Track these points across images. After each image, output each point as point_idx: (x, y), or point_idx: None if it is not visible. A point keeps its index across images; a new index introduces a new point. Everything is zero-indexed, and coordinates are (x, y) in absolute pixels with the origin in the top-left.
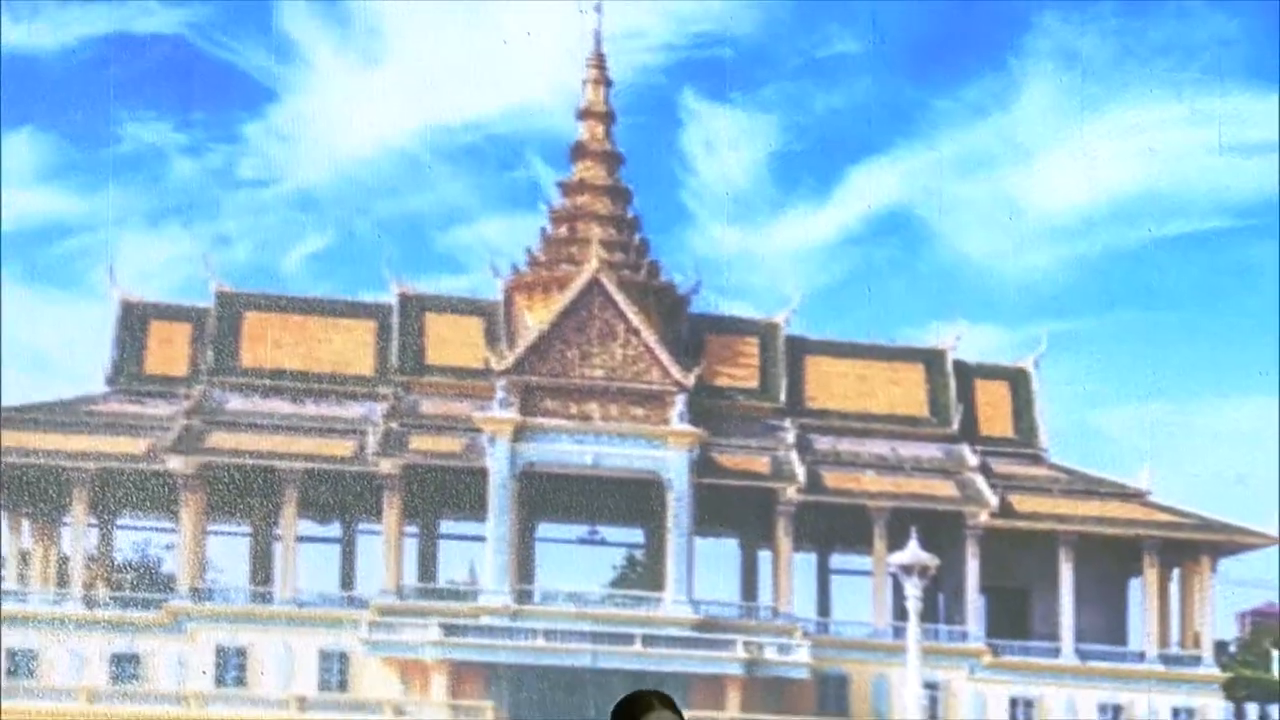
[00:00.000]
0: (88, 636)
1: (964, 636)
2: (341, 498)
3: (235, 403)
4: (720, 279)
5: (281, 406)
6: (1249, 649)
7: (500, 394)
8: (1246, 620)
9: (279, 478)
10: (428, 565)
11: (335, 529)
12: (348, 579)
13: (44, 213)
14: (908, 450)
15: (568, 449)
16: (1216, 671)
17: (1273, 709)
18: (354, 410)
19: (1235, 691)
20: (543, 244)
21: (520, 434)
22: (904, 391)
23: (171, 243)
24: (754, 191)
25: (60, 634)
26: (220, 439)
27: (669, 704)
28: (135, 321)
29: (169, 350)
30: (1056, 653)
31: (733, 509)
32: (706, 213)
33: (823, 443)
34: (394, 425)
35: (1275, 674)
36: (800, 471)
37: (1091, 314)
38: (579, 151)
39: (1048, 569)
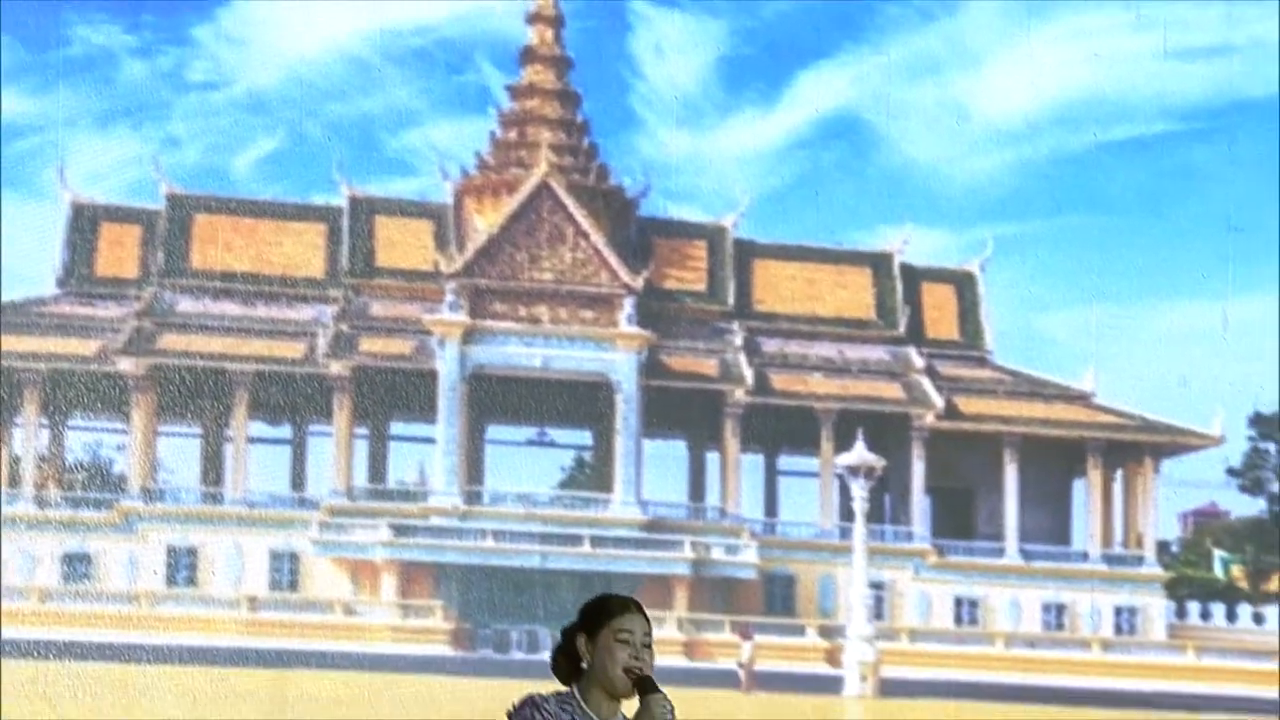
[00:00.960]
0: (39, 536)
1: (909, 537)
2: (292, 399)
3: (186, 305)
4: (668, 183)
5: (232, 309)
6: (1191, 549)
7: (450, 297)
8: (1189, 520)
9: (229, 379)
10: (378, 466)
11: (286, 430)
12: (298, 480)
13: None
14: (854, 353)
15: (517, 351)
16: (1159, 571)
17: (1214, 607)
18: (304, 312)
19: (1177, 590)
20: (492, 148)
21: (469, 337)
22: (851, 294)
23: (121, 145)
24: (702, 96)
25: (11, 534)
26: (171, 341)
27: (639, 608)
28: (85, 223)
29: (119, 252)
30: (1001, 553)
31: (680, 411)
32: (655, 117)
33: (770, 345)
34: (344, 327)
35: (1217, 573)
36: (748, 374)
37: (1037, 218)
38: (528, 56)
39: (992, 470)
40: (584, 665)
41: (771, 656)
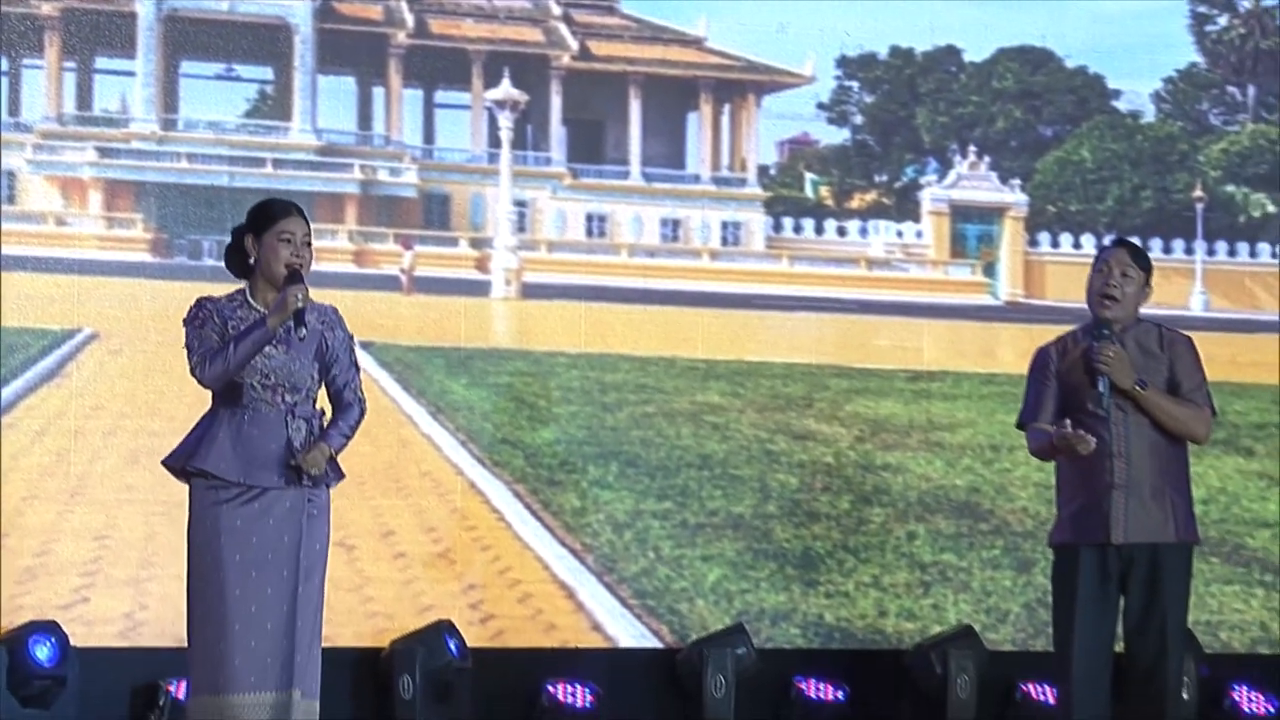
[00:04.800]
0: None
1: (548, 161)
2: (7, 35)
3: None
4: None
5: None
6: (786, 172)
7: None
8: (785, 148)
9: None
10: (84, 96)
11: (2, 63)
12: (14, 107)
13: None
14: (501, 0)
15: None
16: (759, 191)
17: (805, 222)
18: None
19: (774, 208)
20: None
21: None
22: None
23: None
24: None
25: None
26: None
27: (300, 213)
28: None
29: None
30: (626, 175)
31: (350, 51)
32: None
33: None
34: None
35: (808, 193)
36: (409, 19)
37: None
38: None
39: (619, 104)
40: (251, 262)
41: (429, 264)
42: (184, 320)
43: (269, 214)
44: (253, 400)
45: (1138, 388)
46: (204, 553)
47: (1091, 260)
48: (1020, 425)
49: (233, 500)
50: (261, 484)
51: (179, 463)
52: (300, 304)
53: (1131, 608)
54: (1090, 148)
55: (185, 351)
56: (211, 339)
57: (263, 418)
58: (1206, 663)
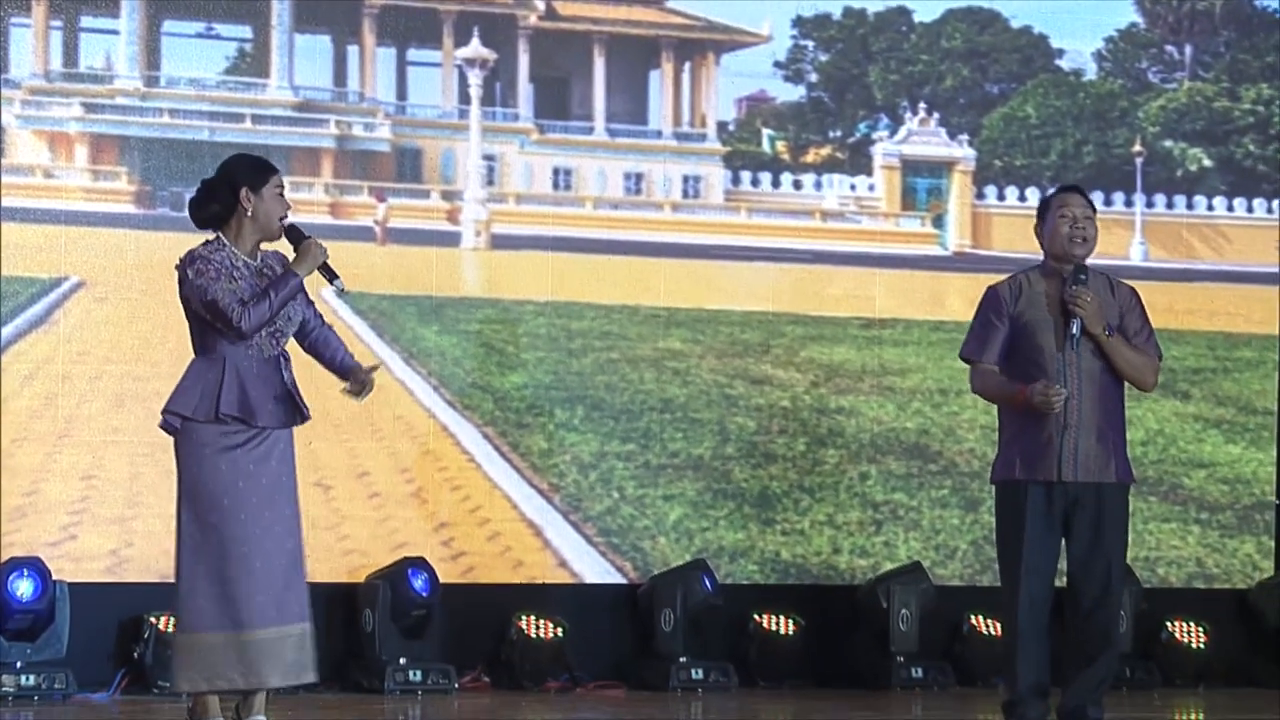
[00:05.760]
0: None
1: (515, 117)
2: None
3: None
4: None
5: None
6: (744, 128)
7: None
8: (743, 105)
9: None
10: (70, 54)
11: None
12: (3, 64)
13: None
14: None
15: None
16: (719, 146)
17: (762, 176)
18: None
19: (733, 162)
20: None
21: None
22: None
23: None
24: None
25: None
26: None
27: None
28: None
29: None
30: (591, 131)
31: (326, 10)
32: None
33: None
34: None
35: (765, 148)
36: None
37: None
38: None
39: (584, 62)
40: (248, 214)
41: (402, 216)
42: (191, 274)
43: (262, 168)
44: (256, 346)
45: (1105, 334)
46: (218, 496)
47: (1041, 210)
48: (965, 359)
49: (245, 444)
50: (270, 425)
51: (203, 413)
52: (326, 256)
53: (1076, 546)
54: (1035, 105)
55: (209, 304)
56: (232, 289)
57: (264, 362)
58: (1145, 597)
